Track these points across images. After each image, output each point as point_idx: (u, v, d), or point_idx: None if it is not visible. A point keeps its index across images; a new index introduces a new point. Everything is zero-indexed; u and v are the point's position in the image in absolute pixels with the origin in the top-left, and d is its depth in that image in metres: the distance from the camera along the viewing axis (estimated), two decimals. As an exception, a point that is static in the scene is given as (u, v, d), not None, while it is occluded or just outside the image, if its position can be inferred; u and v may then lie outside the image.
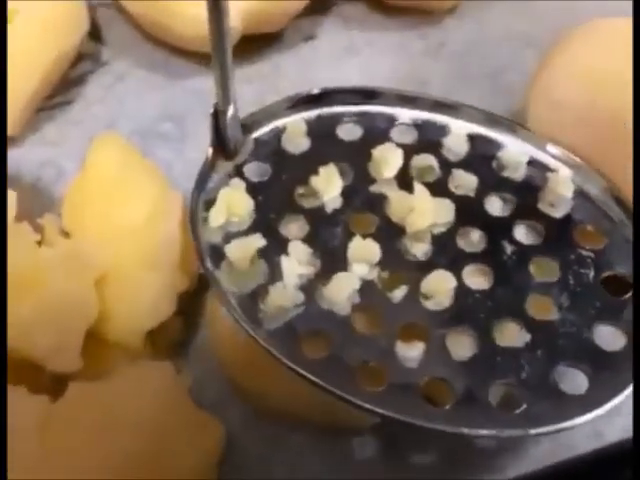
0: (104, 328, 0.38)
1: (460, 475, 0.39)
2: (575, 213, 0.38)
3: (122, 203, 0.39)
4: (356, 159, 0.39)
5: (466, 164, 0.39)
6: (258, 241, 0.36)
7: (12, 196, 0.38)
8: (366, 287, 0.36)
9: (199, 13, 0.46)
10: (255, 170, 0.39)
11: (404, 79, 0.49)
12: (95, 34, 0.50)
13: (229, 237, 0.37)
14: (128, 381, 0.36)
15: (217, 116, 0.37)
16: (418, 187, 0.38)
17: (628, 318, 0.35)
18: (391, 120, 0.41)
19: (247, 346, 0.38)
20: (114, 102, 0.48)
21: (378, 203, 0.38)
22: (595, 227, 0.38)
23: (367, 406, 0.33)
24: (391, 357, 0.34)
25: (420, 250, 0.37)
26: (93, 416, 0.35)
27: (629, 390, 0.33)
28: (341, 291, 0.35)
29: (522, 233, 0.37)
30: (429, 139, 0.40)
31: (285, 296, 0.35)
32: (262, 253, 0.36)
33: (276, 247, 0.36)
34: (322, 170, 0.38)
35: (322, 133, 0.40)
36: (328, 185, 0.38)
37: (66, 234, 0.40)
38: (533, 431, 0.33)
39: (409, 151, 0.39)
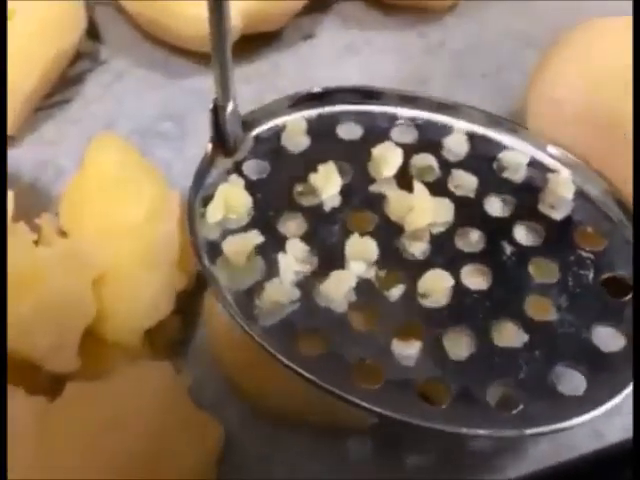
0: (102, 327, 0.37)
1: (460, 475, 0.39)
2: (575, 214, 0.38)
3: (120, 202, 0.39)
4: (356, 158, 0.39)
5: (466, 164, 0.39)
6: (256, 237, 0.36)
7: (9, 196, 0.38)
8: (363, 285, 0.35)
9: (198, 12, 0.46)
10: (254, 167, 0.39)
11: (404, 78, 0.49)
12: (93, 33, 0.50)
13: (226, 233, 0.36)
14: (126, 381, 0.36)
15: (217, 112, 0.37)
16: (417, 186, 0.38)
17: (627, 319, 0.35)
18: (391, 120, 0.40)
19: (245, 345, 0.38)
20: (113, 101, 0.48)
21: (377, 202, 0.38)
22: (595, 228, 0.38)
23: (363, 404, 0.32)
24: (388, 355, 0.34)
25: (418, 249, 0.37)
26: (91, 416, 0.35)
27: (627, 391, 0.33)
28: (338, 289, 0.35)
29: (522, 234, 0.37)
30: (429, 139, 0.40)
31: (281, 292, 0.35)
32: (259, 250, 0.36)
33: (273, 244, 0.36)
34: (321, 168, 0.38)
35: (322, 132, 0.40)
36: (327, 183, 0.38)
37: (64, 233, 0.40)
38: (529, 431, 0.32)
39: (409, 151, 0.39)
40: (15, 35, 0.44)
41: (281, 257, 0.36)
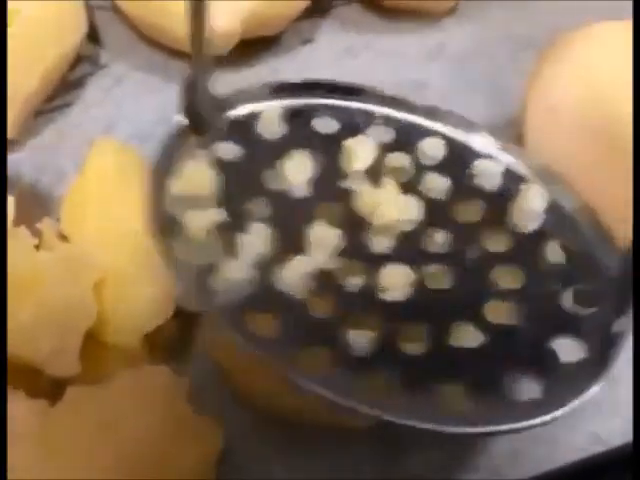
0: (103, 331, 0.38)
1: (459, 476, 0.39)
2: (545, 226, 0.38)
3: (120, 206, 0.39)
4: (329, 151, 0.39)
5: (440, 169, 0.39)
6: (218, 214, 0.35)
7: (10, 201, 0.38)
8: (323, 274, 0.35)
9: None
10: (225, 149, 0.38)
11: (403, 82, 0.48)
12: (93, 37, 0.50)
13: (189, 208, 0.36)
14: (126, 385, 0.36)
15: (190, 87, 0.36)
16: (387, 181, 0.38)
17: (589, 332, 0.35)
18: (369, 118, 0.40)
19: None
20: (113, 105, 0.48)
21: (346, 195, 0.38)
22: (564, 242, 0.37)
23: (310, 386, 0.32)
24: (341, 344, 0.33)
25: (383, 244, 0.36)
26: (91, 420, 0.35)
27: (580, 401, 0.33)
28: (297, 274, 0.35)
29: (489, 241, 0.37)
30: (406, 140, 0.40)
31: (238, 272, 0.34)
32: (221, 229, 0.35)
33: (236, 225, 0.36)
34: (292, 156, 0.38)
35: (298, 122, 0.39)
36: (297, 171, 0.37)
37: (64, 237, 0.40)
38: (471, 430, 0.32)
39: (384, 149, 0.39)
40: (15, 37, 0.44)
41: (242, 237, 0.35)
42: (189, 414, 0.36)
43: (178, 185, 0.36)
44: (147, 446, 0.35)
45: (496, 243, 0.37)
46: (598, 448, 0.39)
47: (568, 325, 0.35)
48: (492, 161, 0.39)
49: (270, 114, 0.39)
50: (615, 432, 0.39)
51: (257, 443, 0.39)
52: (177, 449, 0.36)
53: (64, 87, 0.48)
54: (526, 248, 0.37)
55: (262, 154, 0.38)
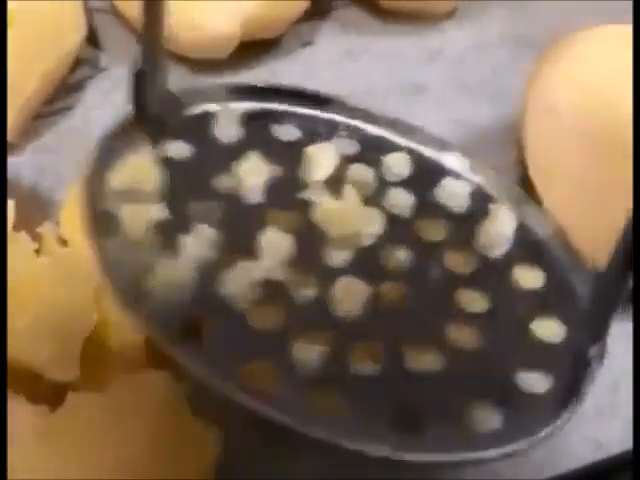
0: (102, 336, 0.38)
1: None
2: (514, 250, 0.36)
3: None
4: (287, 158, 0.37)
5: (405, 185, 0.37)
6: (159, 211, 0.33)
7: (10, 205, 0.38)
8: (271, 283, 0.33)
9: (197, 19, 0.47)
10: (175, 146, 0.36)
11: (403, 84, 0.49)
12: (93, 40, 0.50)
13: (128, 202, 0.33)
14: (126, 390, 0.36)
15: (138, 77, 0.34)
16: (348, 192, 0.36)
17: (555, 362, 0.33)
18: (334, 129, 0.38)
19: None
20: (113, 108, 0.48)
21: (303, 204, 0.35)
22: (534, 267, 0.36)
23: (240, 399, 0.29)
24: (284, 358, 0.31)
25: (339, 257, 0.34)
26: (92, 425, 0.35)
27: (542, 434, 0.31)
28: (241, 281, 0.32)
29: (453, 262, 0.35)
30: (370, 154, 0.38)
31: (175, 274, 0.32)
32: (162, 228, 0.33)
33: (179, 225, 0.33)
34: (248, 158, 0.36)
35: (257, 127, 0.37)
36: (252, 174, 0.35)
37: (64, 242, 0.40)
38: (424, 458, 0.30)
39: (346, 161, 0.37)
40: (13, 39, 0.43)
41: (183, 238, 0.33)
42: (189, 418, 0.36)
43: (118, 178, 0.34)
44: (147, 450, 0.35)
45: (461, 265, 0.35)
46: (598, 453, 0.39)
47: (535, 353, 0.33)
48: (461, 180, 0.38)
49: (227, 115, 0.37)
50: (615, 437, 0.39)
51: (256, 446, 0.39)
52: (177, 453, 0.36)
53: (64, 90, 0.48)
54: (493, 271, 0.35)
55: (215, 155, 0.36)
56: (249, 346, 0.31)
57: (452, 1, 0.51)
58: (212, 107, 0.37)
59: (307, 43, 0.51)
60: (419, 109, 0.47)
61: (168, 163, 0.35)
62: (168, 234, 0.33)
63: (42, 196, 0.44)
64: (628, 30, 0.41)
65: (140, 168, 0.34)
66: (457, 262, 0.35)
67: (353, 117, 0.39)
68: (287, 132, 0.38)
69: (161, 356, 0.32)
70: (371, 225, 0.35)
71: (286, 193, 0.36)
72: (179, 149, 0.36)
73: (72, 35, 0.47)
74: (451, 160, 0.38)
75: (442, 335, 0.33)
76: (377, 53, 0.50)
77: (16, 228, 0.39)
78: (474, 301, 0.34)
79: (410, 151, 0.38)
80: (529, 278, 0.35)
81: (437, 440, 0.30)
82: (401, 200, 0.37)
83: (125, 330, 0.37)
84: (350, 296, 0.33)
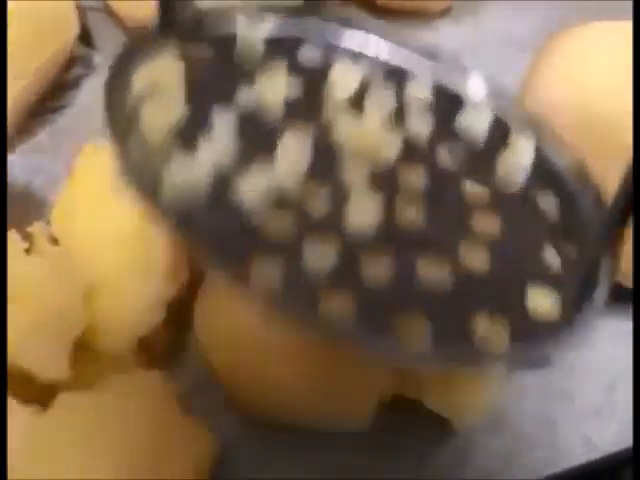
0: (93, 337, 0.37)
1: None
2: (531, 180, 0.36)
3: (111, 211, 0.39)
4: (310, 77, 0.37)
5: (427, 111, 0.38)
6: (180, 110, 0.33)
7: (-1, 204, 0.38)
8: (286, 192, 0.33)
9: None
10: (199, 52, 0.36)
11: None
12: (86, 38, 0.50)
13: (150, 101, 0.33)
14: (118, 390, 0.36)
15: None
16: (369, 113, 0.36)
17: (565, 284, 0.33)
18: (359, 54, 0.39)
19: (238, 353, 0.38)
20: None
21: (322, 122, 0.36)
22: (550, 196, 0.36)
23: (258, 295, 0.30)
24: (294, 261, 0.31)
25: (355, 174, 0.34)
26: (83, 425, 0.35)
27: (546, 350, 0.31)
28: (257, 185, 0.32)
29: (470, 189, 0.36)
30: (394, 79, 0.38)
31: (194, 174, 0.32)
32: (182, 131, 0.33)
33: (199, 129, 0.33)
34: (271, 74, 0.36)
35: (283, 47, 0.38)
36: (274, 90, 0.36)
37: (55, 241, 0.40)
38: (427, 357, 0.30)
39: (369, 83, 0.37)
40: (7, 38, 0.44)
41: (202, 139, 0.33)
42: (181, 418, 0.36)
43: (141, 81, 0.34)
44: (139, 450, 0.35)
45: (477, 191, 0.36)
46: (593, 453, 0.39)
47: (544, 276, 0.34)
48: (482, 109, 0.38)
49: (254, 33, 0.37)
50: (611, 436, 0.39)
51: (249, 446, 0.39)
52: (169, 452, 0.35)
53: (58, 89, 0.48)
54: (508, 199, 0.36)
55: (238, 69, 0.36)
56: (260, 245, 0.31)
57: (447, 0, 0.51)
58: (240, 25, 0.37)
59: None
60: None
61: (191, 69, 0.35)
62: (187, 137, 0.33)
63: (34, 195, 0.44)
64: (621, 26, 0.40)
65: (163, 71, 0.34)
66: (473, 189, 0.36)
67: (378, 41, 0.39)
68: (311, 54, 0.38)
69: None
70: (389, 147, 0.36)
71: (306, 110, 0.36)
72: (203, 55, 0.36)
73: (65, 33, 0.47)
74: (474, 88, 0.38)
75: (454, 253, 0.33)
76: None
77: (7, 227, 0.38)
78: (488, 226, 0.35)
79: (434, 77, 0.38)
80: (544, 206, 0.36)
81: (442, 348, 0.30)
82: (421, 125, 0.37)
83: (115, 330, 0.37)
84: (363, 209, 0.33)
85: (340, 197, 0.33)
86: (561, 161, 0.37)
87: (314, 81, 0.37)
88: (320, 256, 0.31)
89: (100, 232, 0.39)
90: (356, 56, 0.38)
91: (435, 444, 0.39)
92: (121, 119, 0.33)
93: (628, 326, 0.41)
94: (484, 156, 0.37)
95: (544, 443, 0.40)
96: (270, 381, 0.38)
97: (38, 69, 0.45)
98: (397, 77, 0.38)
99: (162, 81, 0.34)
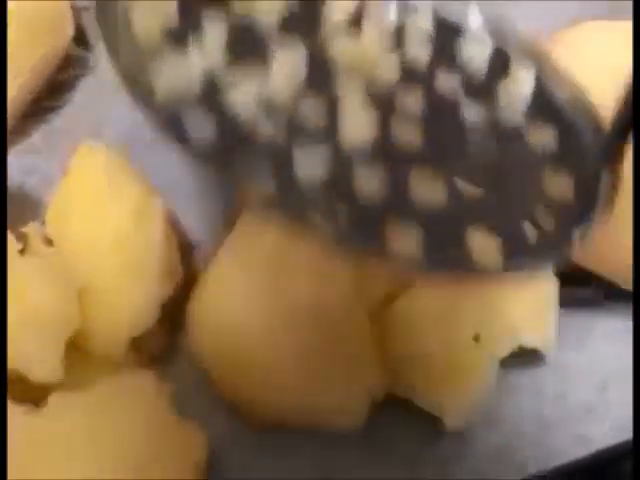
0: (86, 337, 0.38)
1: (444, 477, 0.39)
2: (531, 109, 0.36)
3: (106, 211, 0.39)
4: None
5: (426, 38, 0.37)
6: (172, 11, 0.33)
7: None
8: (280, 100, 0.32)
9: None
10: None
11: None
12: (81, 39, 0.49)
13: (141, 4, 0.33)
14: (110, 391, 0.36)
15: None
16: (367, 34, 0.36)
17: (560, 209, 0.34)
18: None
19: (231, 353, 0.38)
20: (101, 107, 0.48)
21: (319, 39, 0.35)
22: (549, 126, 0.36)
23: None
24: (284, 166, 0.31)
25: (351, 89, 0.34)
26: (76, 426, 0.35)
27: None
28: (248, 93, 0.32)
29: (469, 113, 0.35)
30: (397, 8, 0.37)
31: (184, 78, 0.31)
32: (173, 32, 0.33)
33: (190, 31, 0.33)
34: None
35: None
36: (270, 7, 0.35)
37: (50, 242, 0.40)
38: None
39: (367, 7, 0.37)
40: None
41: (195, 37, 0.33)
42: (173, 419, 0.36)
43: None
44: (132, 450, 0.35)
45: (477, 118, 0.35)
46: (585, 451, 0.39)
47: (541, 200, 0.34)
48: (482, 39, 0.38)
49: None
50: (603, 435, 0.39)
51: (242, 446, 0.39)
52: (162, 452, 0.36)
53: (53, 89, 0.48)
54: (508, 128, 0.36)
55: None
56: (251, 146, 0.31)
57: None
58: None
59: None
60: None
61: None
62: (179, 39, 0.32)
63: (28, 196, 0.44)
64: (617, 25, 0.40)
65: None
66: (473, 115, 0.35)
67: None
68: None
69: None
70: (386, 66, 0.35)
71: (303, 28, 0.35)
72: None
73: (59, 32, 0.47)
74: (474, 19, 0.38)
75: (449, 172, 0.33)
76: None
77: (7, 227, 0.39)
78: (486, 152, 0.35)
79: (433, 6, 0.38)
80: (543, 135, 0.36)
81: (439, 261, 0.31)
82: (420, 51, 0.37)
83: (108, 331, 0.37)
84: (357, 124, 0.33)
85: (334, 111, 0.33)
86: (561, 92, 0.37)
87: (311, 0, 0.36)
88: (312, 164, 0.31)
89: (94, 233, 0.39)
90: None
91: (427, 443, 0.39)
92: (112, 20, 0.32)
93: (620, 325, 0.42)
94: (484, 85, 0.36)
95: (536, 442, 0.40)
96: (263, 380, 0.38)
97: (32, 69, 0.45)
98: (398, 7, 0.37)
99: None
